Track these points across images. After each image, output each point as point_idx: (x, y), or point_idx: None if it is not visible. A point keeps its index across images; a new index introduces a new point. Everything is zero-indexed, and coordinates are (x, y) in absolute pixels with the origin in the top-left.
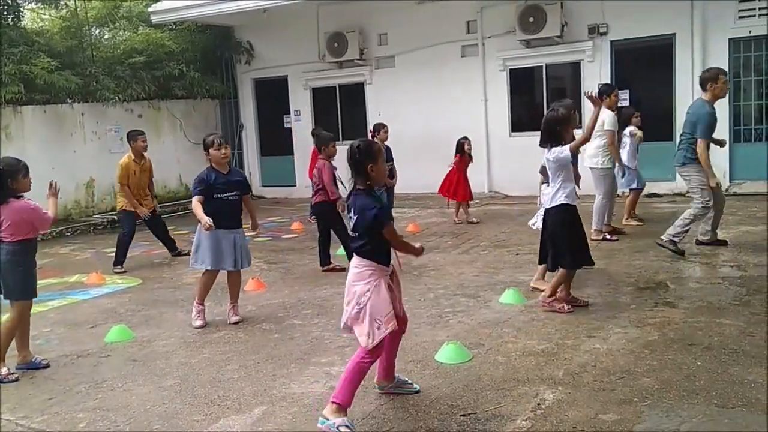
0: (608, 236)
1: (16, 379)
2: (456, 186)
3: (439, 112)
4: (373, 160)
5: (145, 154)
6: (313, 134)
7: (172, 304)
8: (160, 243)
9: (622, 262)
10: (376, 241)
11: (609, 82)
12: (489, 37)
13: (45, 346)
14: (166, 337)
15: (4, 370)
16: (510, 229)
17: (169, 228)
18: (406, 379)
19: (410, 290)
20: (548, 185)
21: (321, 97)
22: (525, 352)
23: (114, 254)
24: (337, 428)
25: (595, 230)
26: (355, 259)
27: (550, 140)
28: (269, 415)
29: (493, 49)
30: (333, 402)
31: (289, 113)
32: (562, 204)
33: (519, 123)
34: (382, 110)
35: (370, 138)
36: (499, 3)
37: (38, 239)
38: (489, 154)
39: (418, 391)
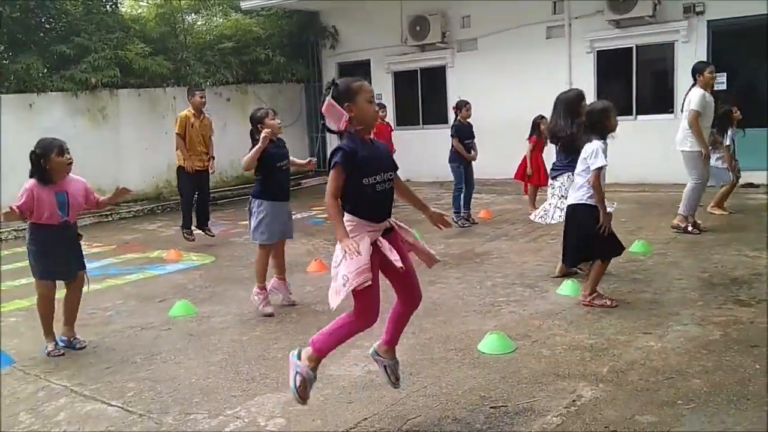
0: (690, 228)
1: (62, 354)
2: (534, 169)
3: (521, 96)
4: (349, 99)
5: (204, 110)
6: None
7: (237, 282)
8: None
9: (699, 256)
10: (350, 192)
11: None
12: (576, 18)
13: (114, 317)
14: (224, 314)
15: (51, 346)
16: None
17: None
18: (400, 373)
19: (468, 277)
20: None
21: (402, 81)
22: (572, 346)
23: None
24: (297, 371)
25: (680, 216)
26: None
27: (593, 131)
28: None
29: (580, 30)
30: (311, 345)
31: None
32: (590, 205)
33: None
34: (462, 94)
35: (454, 115)
36: None
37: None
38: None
39: (396, 388)
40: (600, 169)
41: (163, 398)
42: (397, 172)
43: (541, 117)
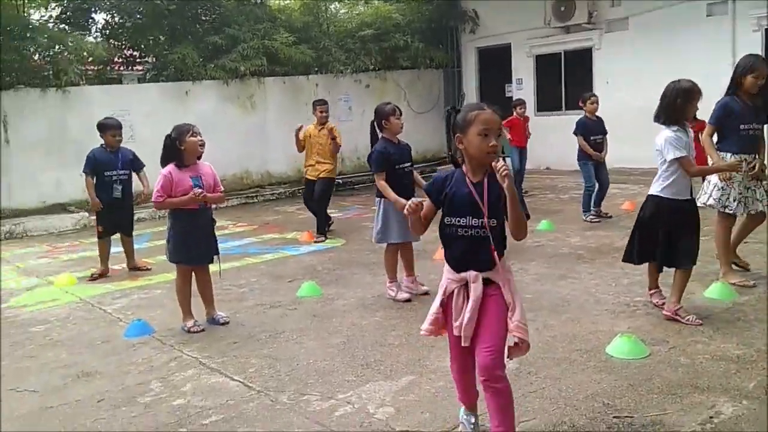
0: None
1: (202, 330)
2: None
3: (675, 78)
4: (461, 130)
5: (333, 124)
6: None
7: (364, 266)
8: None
9: None
10: (440, 227)
11: None
12: None
13: (247, 294)
14: (348, 297)
15: (190, 323)
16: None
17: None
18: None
19: (603, 273)
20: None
21: (544, 65)
22: (716, 356)
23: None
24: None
25: None
26: None
27: (665, 115)
28: (414, 385)
29: (746, 6)
30: None
31: (510, 82)
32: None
33: None
34: (610, 78)
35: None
36: None
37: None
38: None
39: None
40: (677, 160)
41: (281, 376)
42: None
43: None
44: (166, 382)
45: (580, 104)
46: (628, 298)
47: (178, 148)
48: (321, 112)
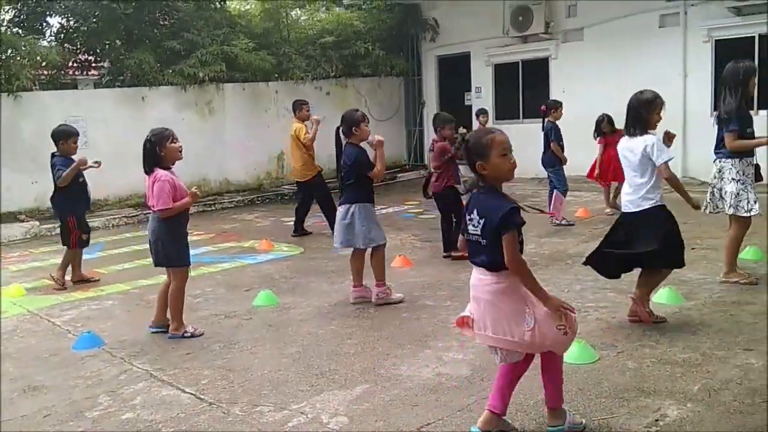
0: None
1: (202, 334)
2: (605, 167)
3: (629, 89)
4: (480, 157)
5: (306, 123)
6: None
7: (322, 275)
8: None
9: None
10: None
11: None
12: (693, 5)
13: (202, 304)
14: (304, 306)
15: (190, 328)
16: (695, 219)
17: None
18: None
19: (557, 280)
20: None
21: (503, 74)
22: (662, 359)
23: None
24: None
25: None
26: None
27: (638, 126)
28: (369, 394)
29: (697, 18)
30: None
31: (470, 90)
32: (660, 204)
33: None
34: (566, 87)
35: (543, 115)
36: None
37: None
38: (685, 134)
39: None
40: (668, 161)
41: (234, 388)
42: None
43: (604, 116)
44: (115, 396)
45: (547, 111)
46: (579, 304)
47: (158, 154)
48: (307, 110)
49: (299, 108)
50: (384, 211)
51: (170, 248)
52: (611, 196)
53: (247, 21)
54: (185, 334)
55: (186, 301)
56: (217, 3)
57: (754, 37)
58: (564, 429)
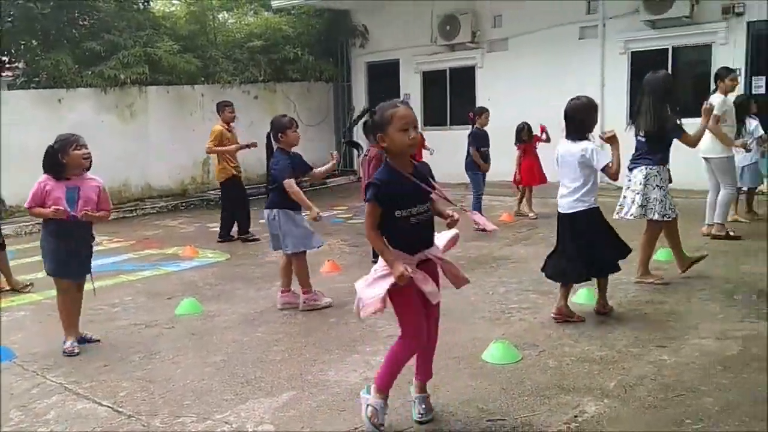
0: (731, 233)
1: (77, 354)
2: (525, 172)
3: (552, 97)
4: (381, 129)
5: (233, 125)
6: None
7: (248, 281)
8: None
9: (726, 266)
10: (383, 223)
11: (742, 67)
12: (610, 18)
13: (120, 314)
14: (230, 313)
15: (69, 342)
16: (614, 224)
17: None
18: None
19: (481, 282)
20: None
21: (431, 81)
22: (581, 357)
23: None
24: (367, 403)
25: (718, 225)
26: None
27: (578, 131)
28: (295, 401)
29: (614, 31)
30: (375, 382)
31: (399, 97)
32: (594, 207)
33: None
34: (492, 95)
35: (471, 122)
36: None
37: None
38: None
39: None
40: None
41: (155, 399)
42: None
43: (524, 124)
44: (28, 411)
45: (473, 117)
46: (503, 306)
47: (60, 161)
48: (232, 112)
49: (222, 110)
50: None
51: (44, 256)
52: (521, 199)
53: (171, 23)
54: (65, 350)
55: (103, 310)
56: (140, 4)
57: (667, 49)
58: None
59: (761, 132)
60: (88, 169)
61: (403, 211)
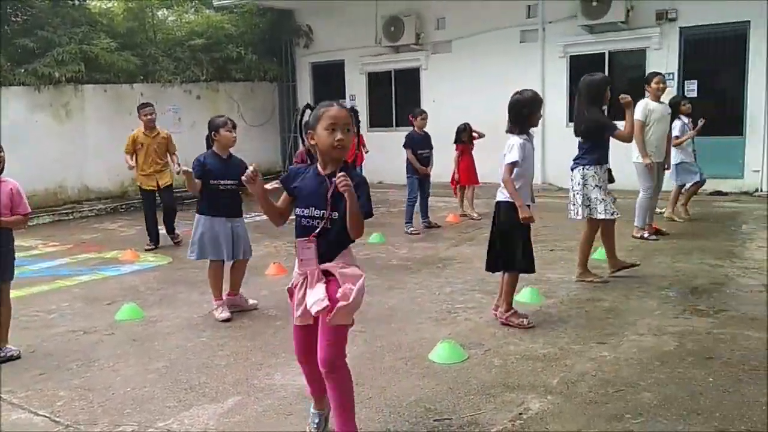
0: (645, 235)
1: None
2: (462, 171)
3: (495, 99)
4: (312, 126)
5: (157, 126)
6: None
7: (191, 285)
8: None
9: (661, 264)
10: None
11: (675, 71)
12: (550, 22)
13: (57, 320)
14: (172, 318)
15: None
16: (554, 223)
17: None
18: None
19: (427, 283)
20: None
21: (376, 82)
22: (525, 355)
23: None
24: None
25: (636, 228)
26: None
27: (518, 126)
28: (241, 406)
29: (554, 35)
30: None
31: (344, 98)
32: (510, 202)
33: None
34: (437, 96)
35: (411, 124)
36: None
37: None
38: (544, 143)
39: None
40: (512, 165)
41: (94, 408)
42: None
43: (465, 125)
44: None
45: (411, 119)
46: (449, 306)
47: None
48: (147, 115)
49: (138, 112)
50: (258, 218)
51: None
52: (462, 199)
53: (108, 20)
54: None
55: (38, 317)
56: (75, 0)
57: (604, 53)
58: None
59: (687, 131)
60: (0, 171)
61: (300, 210)
